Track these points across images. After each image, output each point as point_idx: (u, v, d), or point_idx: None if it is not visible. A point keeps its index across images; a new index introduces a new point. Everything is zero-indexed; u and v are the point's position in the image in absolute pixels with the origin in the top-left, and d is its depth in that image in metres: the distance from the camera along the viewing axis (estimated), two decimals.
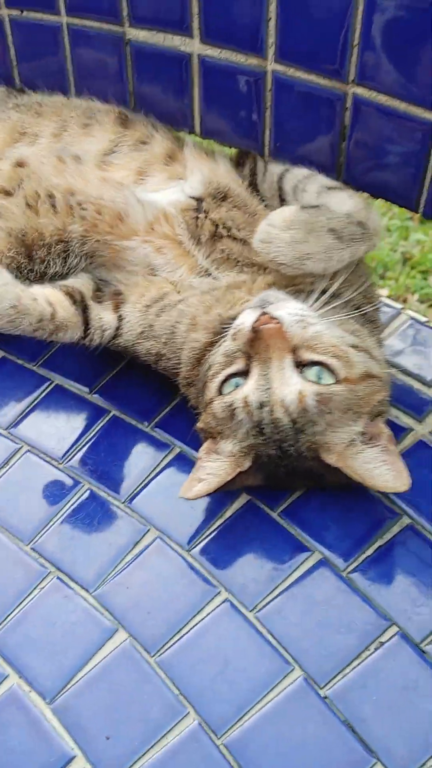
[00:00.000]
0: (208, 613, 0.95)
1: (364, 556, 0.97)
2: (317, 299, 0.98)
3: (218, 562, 0.99)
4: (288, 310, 0.91)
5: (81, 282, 1.14)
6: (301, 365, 0.90)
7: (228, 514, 1.03)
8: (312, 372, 0.90)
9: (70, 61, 1.18)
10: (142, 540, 1.01)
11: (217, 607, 0.95)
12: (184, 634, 0.93)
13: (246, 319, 0.91)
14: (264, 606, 0.94)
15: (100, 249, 1.13)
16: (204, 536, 1.01)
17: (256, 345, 0.90)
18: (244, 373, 0.93)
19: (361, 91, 0.92)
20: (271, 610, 0.94)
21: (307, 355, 0.90)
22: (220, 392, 0.94)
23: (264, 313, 0.90)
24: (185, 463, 1.08)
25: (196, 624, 0.94)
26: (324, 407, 0.89)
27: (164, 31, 1.06)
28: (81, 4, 1.11)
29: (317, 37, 0.92)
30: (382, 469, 0.91)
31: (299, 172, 1.05)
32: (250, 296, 1.04)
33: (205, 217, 1.09)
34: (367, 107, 0.92)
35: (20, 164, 1.18)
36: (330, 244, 0.94)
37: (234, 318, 0.98)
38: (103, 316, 1.12)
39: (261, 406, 0.90)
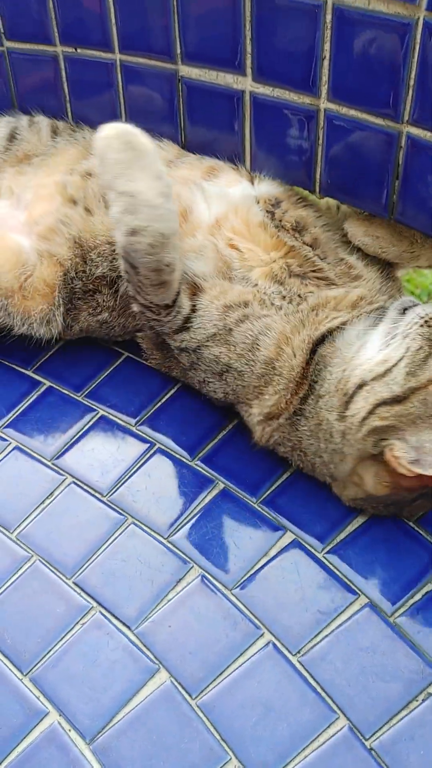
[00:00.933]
0: (251, 656, 0.93)
1: (412, 601, 0.95)
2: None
3: (262, 603, 0.97)
4: None
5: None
6: None
7: (272, 552, 1.02)
8: None
9: (122, 98, 1.20)
10: (185, 577, 1.00)
11: (260, 649, 0.93)
12: (226, 677, 0.92)
13: (428, 310, 0.97)
14: (308, 650, 0.93)
15: None
16: (248, 575, 1.00)
17: None
18: None
19: (416, 130, 0.91)
20: (316, 655, 0.92)
21: None
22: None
23: None
24: (229, 500, 1.07)
25: (239, 666, 0.92)
26: None
27: (217, 69, 1.07)
28: (135, 42, 1.13)
29: (371, 76, 0.91)
30: None
31: None
32: (338, 312, 1.04)
33: (284, 212, 1.08)
34: (424, 149, 0.91)
35: (88, 174, 1.20)
36: None
37: (320, 339, 1.02)
38: (182, 299, 1.07)
39: None
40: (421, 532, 1.01)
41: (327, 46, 0.94)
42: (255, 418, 1.05)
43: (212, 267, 1.07)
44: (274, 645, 0.94)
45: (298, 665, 0.92)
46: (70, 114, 1.28)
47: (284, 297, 1.04)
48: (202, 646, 0.95)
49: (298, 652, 0.93)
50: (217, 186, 1.12)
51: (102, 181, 1.00)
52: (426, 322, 0.98)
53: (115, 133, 0.97)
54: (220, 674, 0.92)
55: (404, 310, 1.01)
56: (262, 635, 0.95)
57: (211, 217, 1.09)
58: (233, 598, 0.98)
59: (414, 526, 1.02)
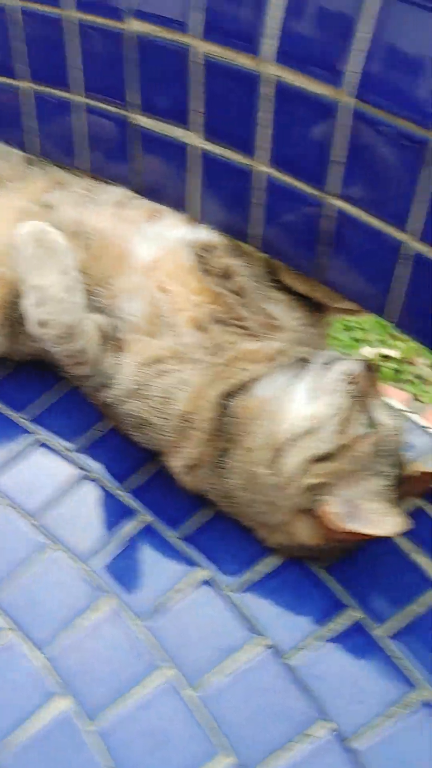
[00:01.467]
0: (152, 687, 0.98)
1: (310, 645, 1.00)
2: None
3: (169, 636, 1.02)
4: None
5: (105, 322, 1.14)
6: None
7: (185, 587, 1.07)
8: None
9: (87, 137, 1.24)
10: (100, 605, 1.06)
11: (162, 681, 0.99)
12: (126, 706, 0.97)
13: (354, 365, 1.02)
14: (207, 686, 0.98)
15: (99, 289, 1.14)
16: (159, 607, 1.05)
17: (373, 382, 1.03)
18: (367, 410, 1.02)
19: (340, 203, 0.96)
20: (213, 691, 0.97)
21: None
22: (364, 431, 1.00)
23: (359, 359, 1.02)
24: (151, 533, 1.12)
25: (139, 696, 0.98)
26: None
27: (168, 122, 1.12)
28: (98, 86, 1.17)
29: (303, 148, 0.96)
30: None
31: None
32: (254, 364, 1.08)
33: (214, 259, 1.13)
34: (348, 221, 0.96)
35: (49, 206, 1.25)
36: None
37: (233, 391, 1.06)
38: (104, 360, 1.12)
39: (395, 430, 1.02)
40: (326, 578, 1.06)
41: (267, 116, 0.98)
42: (177, 469, 1.10)
43: (144, 309, 1.11)
44: (175, 678, 0.99)
45: (195, 700, 0.97)
46: (35, 146, 1.33)
47: (204, 348, 1.08)
48: (108, 674, 1.00)
49: (197, 686, 0.98)
50: (157, 228, 1.17)
51: (18, 273, 1.08)
52: (351, 377, 1.02)
53: (32, 230, 1.07)
54: (121, 702, 0.97)
55: (329, 365, 1.05)
56: (164, 667, 1.00)
57: (147, 259, 1.14)
58: (142, 629, 1.03)
59: (322, 573, 1.07)
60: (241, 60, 0.98)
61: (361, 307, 1.02)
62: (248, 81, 0.98)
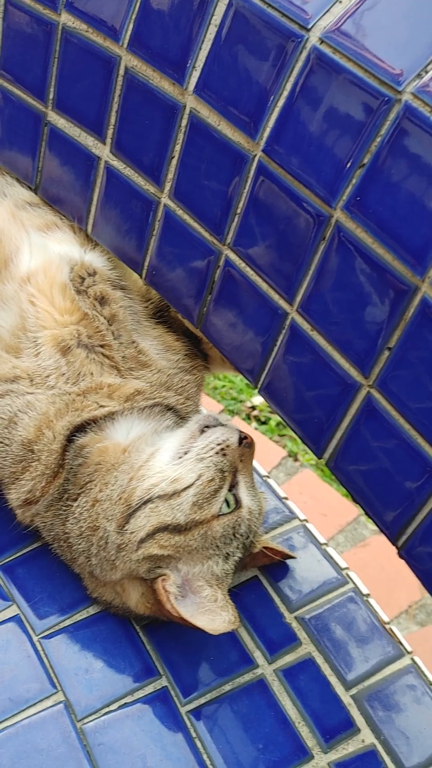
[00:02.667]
0: None
1: (106, 710, 0.94)
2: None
3: None
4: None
5: None
6: None
7: None
8: None
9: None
10: None
11: None
12: None
13: (231, 436, 0.96)
14: None
15: None
16: None
17: (245, 458, 0.98)
18: (231, 488, 0.96)
19: (233, 256, 0.91)
20: None
21: None
22: (220, 511, 0.94)
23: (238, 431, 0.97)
24: None
25: None
26: None
27: (81, 127, 1.05)
28: (13, 69, 1.09)
29: (206, 192, 0.92)
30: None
31: None
32: (110, 401, 1.00)
33: (93, 283, 1.07)
34: (236, 272, 0.92)
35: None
36: None
37: (80, 426, 0.98)
38: None
39: (259, 513, 0.99)
40: (144, 640, 1.00)
41: (178, 147, 0.93)
42: (14, 502, 1.01)
43: (13, 320, 1.03)
44: None
45: None
46: None
47: (62, 373, 1.01)
48: None
49: None
50: (44, 239, 1.10)
51: None
52: (222, 450, 0.95)
53: None
54: None
55: (204, 428, 0.99)
56: None
57: (25, 269, 1.06)
58: None
59: (139, 633, 1.00)
60: (165, 85, 0.92)
61: (234, 366, 0.97)
62: (168, 108, 0.92)
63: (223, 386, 2.41)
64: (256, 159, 0.85)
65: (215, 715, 0.95)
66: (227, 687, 0.97)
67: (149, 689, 0.95)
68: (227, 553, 0.95)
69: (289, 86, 0.79)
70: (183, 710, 0.95)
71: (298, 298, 0.85)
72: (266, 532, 1.13)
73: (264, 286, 0.88)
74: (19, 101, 1.11)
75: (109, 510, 0.95)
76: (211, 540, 0.93)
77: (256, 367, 0.93)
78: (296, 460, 2.24)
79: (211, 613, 0.92)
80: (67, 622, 1.00)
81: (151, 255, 1.02)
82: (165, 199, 0.97)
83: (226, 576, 0.96)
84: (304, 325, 0.85)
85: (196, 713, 0.95)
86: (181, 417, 1.06)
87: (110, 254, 1.13)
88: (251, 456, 0.99)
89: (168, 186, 0.96)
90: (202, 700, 0.96)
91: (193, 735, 0.93)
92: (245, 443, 0.97)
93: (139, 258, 1.04)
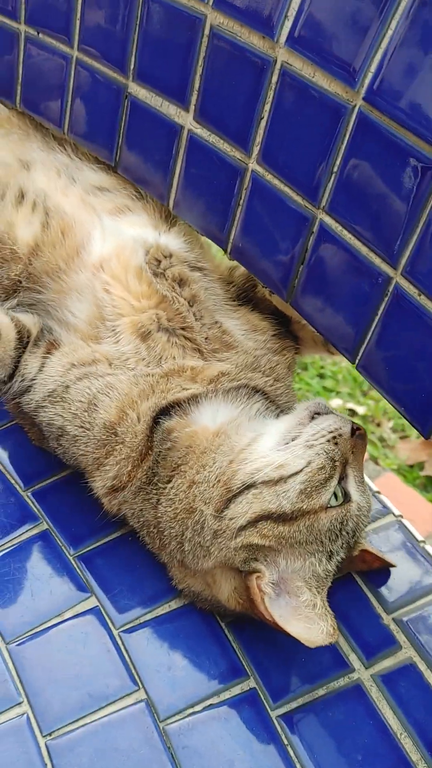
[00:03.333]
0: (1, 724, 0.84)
1: (190, 711, 0.87)
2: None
3: (34, 667, 0.89)
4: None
5: (32, 322, 1.03)
6: None
7: (67, 614, 0.93)
8: None
9: (71, 94, 1.12)
10: None
11: (11, 719, 0.85)
12: None
13: (344, 425, 0.90)
14: (61, 735, 0.84)
15: (47, 280, 1.03)
16: (31, 632, 0.91)
17: (357, 450, 0.90)
18: (341, 480, 0.89)
19: (329, 221, 0.84)
20: (66, 742, 0.84)
21: None
22: (328, 503, 0.87)
23: (351, 421, 0.91)
24: (46, 544, 0.99)
25: None
26: None
27: (163, 96, 1.00)
28: (94, 42, 1.06)
29: (301, 152, 0.85)
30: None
31: None
32: (193, 384, 0.95)
33: (171, 266, 1.01)
34: (331, 239, 0.85)
35: (25, 165, 1.14)
36: None
37: (166, 408, 0.92)
38: (30, 362, 1.00)
39: (368, 509, 0.91)
40: (230, 638, 0.93)
41: (267, 107, 0.87)
42: (100, 490, 0.96)
43: (89, 310, 0.99)
44: (28, 719, 0.85)
45: (43, 749, 0.83)
46: (18, 98, 1.20)
47: (142, 358, 0.95)
48: None
49: (50, 734, 0.84)
50: (116, 223, 1.05)
51: None
52: (335, 438, 0.89)
53: None
54: None
55: (314, 415, 0.92)
56: (18, 704, 0.85)
57: (98, 256, 1.01)
58: (5, 655, 0.89)
59: (225, 630, 0.94)
60: (255, 40, 0.86)
61: (329, 340, 0.89)
62: (258, 65, 0.86)
63: (299, 389, 2.33)
64: (356, 109, 0.78)
65: (308, 722, 0.87)
66: (321, 692, 0.89)
67: (236, 690, 0.88)
68: (331, 551, 0.87)
69: (394, 23, 0.72)
70: (273, 714, 0.87)
71: (403, 261, 0.77)
72: None
73: (364, 250, 0.81)
74: (99, 75, 1.07)
75: (207, 492, 0.88)
76: (317, 534, 0.86)
77: (354, 341, 0.85)
78: (377, 463, 2.14)
79: (307, 620, 0.84)
80: (149, 616, 0.94)
81: (237, 227, 0.96)
82: (253, 165, 0.91)
83: (327, 578, 0.88)
84: (411, 290, 0.77)
85: (288, 718, 0.87)
86: (271, 401, 0.99)
87: (187, 236, 1.08)
88: (363, 448, 0.91)
89: (256, 150, 0.90)
90: (294, 705, 0.88)
91: (285, 742, 0.85)
92: (358, 434, 0.90)
93: (225, 232, 0.98)
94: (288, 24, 0.82)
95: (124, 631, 0.92)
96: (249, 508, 0.85)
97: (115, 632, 0.92)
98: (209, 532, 0.87)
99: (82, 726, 0.84)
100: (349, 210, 0.82)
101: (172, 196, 1.04)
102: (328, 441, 0.88)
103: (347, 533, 0.88)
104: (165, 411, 0.93)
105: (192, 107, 0.96)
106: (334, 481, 0.87)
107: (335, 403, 2.32)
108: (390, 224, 0.78)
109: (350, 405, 2.29)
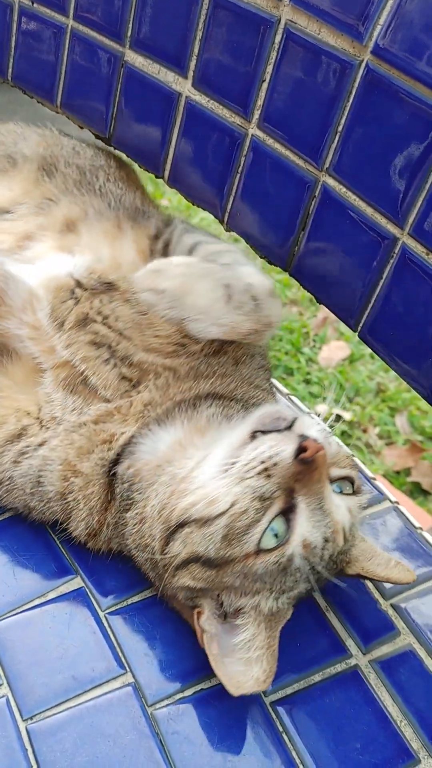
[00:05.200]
0: None
1: (179, 696, 0.82)
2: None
3: (15, 648, 0.84)
4: (315, 427, 0.78)
5: None
6: (331, 481, 0.80)
7: (51, 595, 0.88)
8: (335, 486, 0.81)
9: (65, 64, 1.10)
10: None
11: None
12: None
13: (282, 450, 0.75)
14: (42, 719, 0.78)
15: None
16: (12, 612, 0.86)
17: (304, 477, 0.75)
18: (286, 510, 0.76)
19: (332, 182, 0.82)
20: (48, 726, 0.78)
21: (335, 472, 0.81)
22: (258, 547, 0.75)
23: (304, 438, 0.75)
24: (30, 523, 0.94)
25: None
26: (354, 518, 0.81)
27: (161, 63, 0.98)
28: (91, 10, 1.04)
29: (303, 113, 0.83)
30: (392, 563, 0.86)
31: (213, 247, 0.91)
32: (126, 427, 0.87)
33: (76, 302, 0.91)
34: (334, 200, 0.82)
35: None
36: (218, 297, 0.81)
37: (116, 459, 0.86)
38: None
39: (325, 542, 0.76)
40: None
41: (270, 69, 0.85)
42: (81, 538, 0.90)
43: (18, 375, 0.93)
44: (8, 702, 0.79)
45: (23, 733, 0.77)
46: (10, 71, 1.18)
47: (70, 409, 0.89)
48: None
49: (31, 717, 0.78)
50: (22, 261, 0.96)
51: None
52: (266, 470, 0.75)
53: None
54: None
55: (255, 433, 0.79)
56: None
57: (21, 301, 0.92)
58: None
59: None
60: (258, 0, 0.85)
61: (332, 310, 0.86)
62: (261, 25, 0.84)
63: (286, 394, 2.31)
64: (364, 64, 0.76)
65: (304, 708, 0.83)
66: (316, 677, 0.85)
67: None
68: (281, 589, 0.78)
69: None
70: (267, 700, 0.82)
71: (411, 220, 0.75)
72: None
73: (369, 210, 0.79)
74: (94, 43, 1.05)
75: (152, 528, 0.82)
76: (253, 577, 0.76)
77: (355, 308, 0.83)
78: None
79: (241, 662, 0.77)
80: (133, 599, 0.89)
81: (235, 195, 0.93)
82: (253, 130, 0.89)
83: (279, 612, 0.79)
84: (418, 249, 0.75)
85: (282, 704, 0.82)
86: (228, 399, 0.90)
87: (98, 253, 0.96)
88: (317, 471, 0.76)
89: (257, 114, 0.88)
90: (289, 690, 0.84)
91: (279, 729, 0.80)
92: (302, 458, 0.74)
93: (222, 200, 0.95)
94: None
95: (111, 613, 0.88)
96: (182, 548, 0.78)
97: (101, 614, 0.87)
98: (159, 566, 0.82)
99: (67, 710, 0.79)
100: (354, 170, 0.79)
101: (167, 166, 1.01)
102: (258, 474, 0.75)
103: (297, 570, 0.77)
104: (114, 462, 0.87)
105: (190, 73, 0.94)
106: (262, 525, 0.75)
107: (321, 408, 2.29)
108: (399, 181, 0.76)
109: (336, 410, 2.26)
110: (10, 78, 1.18)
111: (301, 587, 0.78)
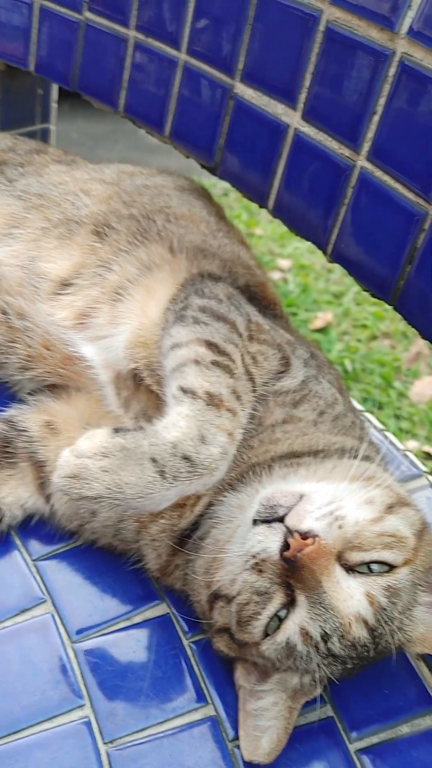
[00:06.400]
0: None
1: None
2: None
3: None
4: (313, 513, 0.74)
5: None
6: (351, 567, 0.74)
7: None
8: (364, 568, 0.75)
9: (175, 98, 1.13)
10: None
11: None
12: None
13: (268, 545, 0.74)
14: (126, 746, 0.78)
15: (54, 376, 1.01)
16: None
17: (295, 574, 0.73)
18: (288, 604, 0.75)
19: None
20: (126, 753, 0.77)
21: (356, 557, 0.74)
22: (266, 634, 0.75)
23: (290, 532, 0.72)
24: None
25: None
26: (395, 598, 0.75)
27: (270, 95, 0.99)
28: (201, 45, 1.06)
29: (419, 145, 0.82)
30: None
31: (183, 354, 0.85)
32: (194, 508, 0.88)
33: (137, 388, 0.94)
34: None
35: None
36: (152, 478, 0.74)
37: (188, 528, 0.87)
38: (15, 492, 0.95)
39: (326, 635, 0.73)
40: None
41: (382, 101, 0.84)
42: (154, 573, 0.91)
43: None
44: (88, 724, 0.79)
45: (104, 757, 0.77)
46: (122, 102, 1.21)
47: None
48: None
49: (111, 741, 0.78)
50: (87, 340, 0.99)
51: None
52: (257, 564, 0.75)
53: None
54: None
55: (254, 521, 0.77)
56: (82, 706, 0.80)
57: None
58: None
59: None
60: (373, 33, 0.84)
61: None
62: (375, 58, 0.84)
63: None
64: None
65: (390, 760, 0.79)
66: (404, 729, 0.81)
67: (312, 717, 0.81)
68: (305, 669, 0.76)
69: None
70: (352, 748, 0.79)
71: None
72: None
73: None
74: (204, 76, 1.07)
75: (198, 586, 0.84)
76: (268, 659, 0.77)
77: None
78: None
79: (259, 729, 0.76)
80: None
81: (340, 227, 0.93)
82: (361, 162, 0.88)
83: (302, 689, 0.78)
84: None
85: (368, 753, 0.79)
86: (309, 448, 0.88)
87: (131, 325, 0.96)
88: (305, 572, 0.72)
89: (366, 147, 0.87)
90: (375, 740, 0.80)
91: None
92: (285, 557, 0.72)
93: (326, 231, 0.95)
94: (411, 13, 0.80)
95: (194, 642, 0.87)
96: (219, 617, 0.80)
97: (184, 642, 0.87)
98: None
99: (147, 737, 0.78)
100: None
101: (272, 197, 1.01)
102: (252, 568, 0.75)
103: (309, 656, 0.74)
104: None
105: (300, 105, 0.95)
106: (262, 621, 0.75)
107: (411, 445, 2.23)
108: None
109: (426, 448, 2.20)
110: (121, 109, 1.21)
111: (329, 670, 0.75)
